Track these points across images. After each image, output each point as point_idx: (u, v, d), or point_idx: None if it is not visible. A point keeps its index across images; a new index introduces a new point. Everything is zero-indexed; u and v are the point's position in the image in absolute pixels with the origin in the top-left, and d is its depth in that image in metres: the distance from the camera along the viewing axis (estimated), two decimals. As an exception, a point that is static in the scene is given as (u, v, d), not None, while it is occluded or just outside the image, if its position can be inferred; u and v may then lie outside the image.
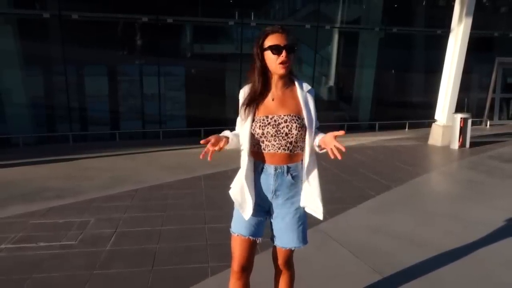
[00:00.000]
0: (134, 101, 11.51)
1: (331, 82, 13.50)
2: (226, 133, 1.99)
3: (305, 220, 2.06)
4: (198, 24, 11.98)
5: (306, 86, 2.01)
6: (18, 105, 10.21)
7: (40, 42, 10.36)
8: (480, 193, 5.56)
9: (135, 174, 6.63)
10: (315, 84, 12.86)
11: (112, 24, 11.08)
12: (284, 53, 1.85)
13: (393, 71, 13.85)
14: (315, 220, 4.30)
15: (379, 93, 13.23)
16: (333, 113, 13.23)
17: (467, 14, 8.99)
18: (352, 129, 12.52)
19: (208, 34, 12.45)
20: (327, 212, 4.53)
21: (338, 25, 13.06)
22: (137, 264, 3.34)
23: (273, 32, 1.89)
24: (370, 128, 12.83)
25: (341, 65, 13.49)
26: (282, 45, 1.85)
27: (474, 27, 9.26)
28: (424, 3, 14.10)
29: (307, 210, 2.03)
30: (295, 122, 1.91)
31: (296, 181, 1.99)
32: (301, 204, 2.01)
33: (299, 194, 2.01)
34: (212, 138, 1.84)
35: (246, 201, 1.97)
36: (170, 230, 4.08)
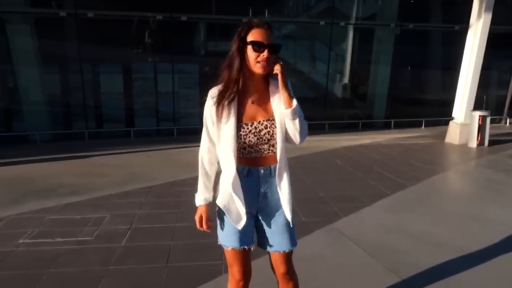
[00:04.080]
0: (149, 98, 11.60)
1: (346, 80, 13.36)
2: (202, 195, 1.95)
3: (293, 222, 1.94)
4: (212, 21, 12.00)
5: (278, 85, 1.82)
6: (35, 103, 10.39)
7: (57, 41, 10.52)
8: (498, 193, 5.44)
9: (149, 171, 6.68)
10: (329, 82, 12.75)
11: (127, 22, 11.17)
12: (265, 52, 1.71)
13: (409, 68, 13.64)
14: (330, 218, 4.28)
15: (394, 90, 13.05)
16: (348, 111, 13.12)
17: (486, 9, 8.79)
18: (367, 127, 12.40)
19: (222, 32, 12.44)
20: (341, 210, 4.50)
21: (353, 21, 12.92)
22: (152, 260, 3.36)
23: (258, 26, 1.74)
24: (385, 126, 12.67)
25: (356, 62, 13.34)
26: (265, 42, 1.71)
27: (493, 22, 9.04)
28: (441, -2, 13.86)
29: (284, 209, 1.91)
30: (275, 127, 1.79)
31: None
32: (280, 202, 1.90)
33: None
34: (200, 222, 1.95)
35: (239, 212, 1.83)
36: (184, 227, 4.10)
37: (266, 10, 12.16)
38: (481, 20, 8.87)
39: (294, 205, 1.92)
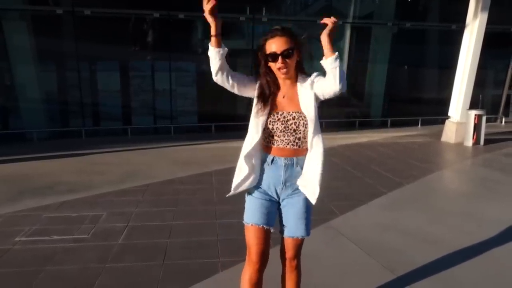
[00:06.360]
0: (146, 96, 11.58)
1: (343, 78, 13.36)
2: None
3: (311, 212, 2.11)
4: (210, 19, 11.96)
5: (306, 80, 2.01)
6: (32, 100, 10.35)
7: (54, 38, 10.47)
8: (494, 191, 5.48)
9: (146, 169, 6.68)
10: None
11: (124, 20, 11.14)
12: (280, 60, 1.91)
13: (406, 67, 13.67)
14: (326, 217, 4.30)
15: (391, 89, 13.08)
16: (345, 109, 13.12)
17: (482, 9, 8.82)
18: (363, 125, 12.42)
19: (219, 30, 12.41)
20: (338, 209, 4.52)
21: (350, 20, 12.92)
22: (149, 258, 3.37)
23: (271, 36, 1.93)
24: (382, 125, 12.71)
25: (353, 60, 13.35)
26: (278, 52, 1.90)
27: (489, 22, 9.08)
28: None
29: (302, 190, 2.05)
30: (302, 119, 1.97)
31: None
32: (297, 183, 2.04)
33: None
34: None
35: (252, 172, 2.06)
36: (181, 225, 4.11)
37: (264, 8, 12.14)
38: (478, 19, 8.90)
39: (320, 192, 2.03)
